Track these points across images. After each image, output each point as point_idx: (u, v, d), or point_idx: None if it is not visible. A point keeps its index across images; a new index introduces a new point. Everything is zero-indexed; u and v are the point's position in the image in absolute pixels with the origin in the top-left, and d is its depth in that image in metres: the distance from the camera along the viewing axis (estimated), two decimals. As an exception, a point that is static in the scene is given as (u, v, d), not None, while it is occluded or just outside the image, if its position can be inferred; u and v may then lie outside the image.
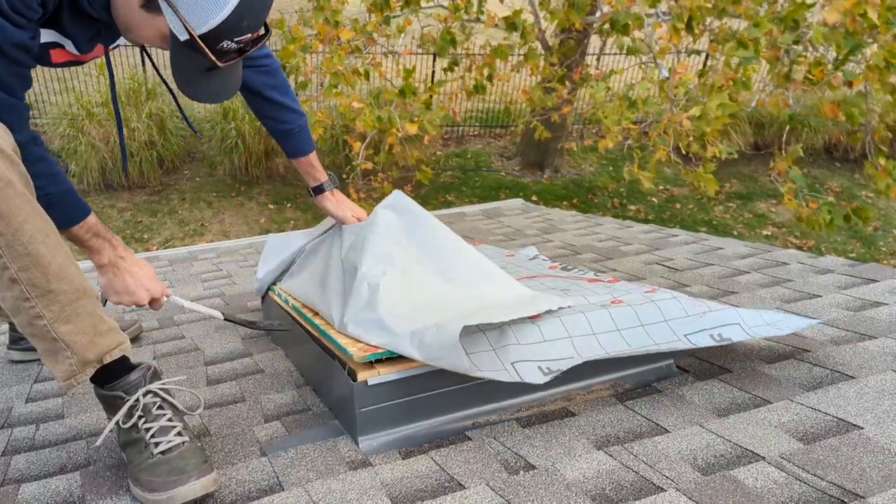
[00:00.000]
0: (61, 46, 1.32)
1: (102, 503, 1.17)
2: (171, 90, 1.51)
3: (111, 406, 1.27)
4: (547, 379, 1.27)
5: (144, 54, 1.51)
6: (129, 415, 1.24)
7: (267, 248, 2.00)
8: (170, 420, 1.24)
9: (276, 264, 1.92)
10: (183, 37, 1.19)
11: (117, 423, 1.25)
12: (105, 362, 1.24)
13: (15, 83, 1.20)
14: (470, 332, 1.38)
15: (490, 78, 5.18)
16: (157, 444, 1.20)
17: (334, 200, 1.83)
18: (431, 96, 5.18)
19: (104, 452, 1.34)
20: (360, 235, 1.60)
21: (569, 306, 1.45)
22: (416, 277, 1.49)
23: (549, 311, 1.49)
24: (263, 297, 2.01)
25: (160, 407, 1.26)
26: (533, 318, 1.45)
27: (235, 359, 1.82)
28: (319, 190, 1.83)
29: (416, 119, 4.85)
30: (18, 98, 1.22)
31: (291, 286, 1.81)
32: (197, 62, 1.24)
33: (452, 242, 1.62)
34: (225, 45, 1.22)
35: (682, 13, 3.69)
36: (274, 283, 1.93)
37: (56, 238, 1.17)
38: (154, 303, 1.52)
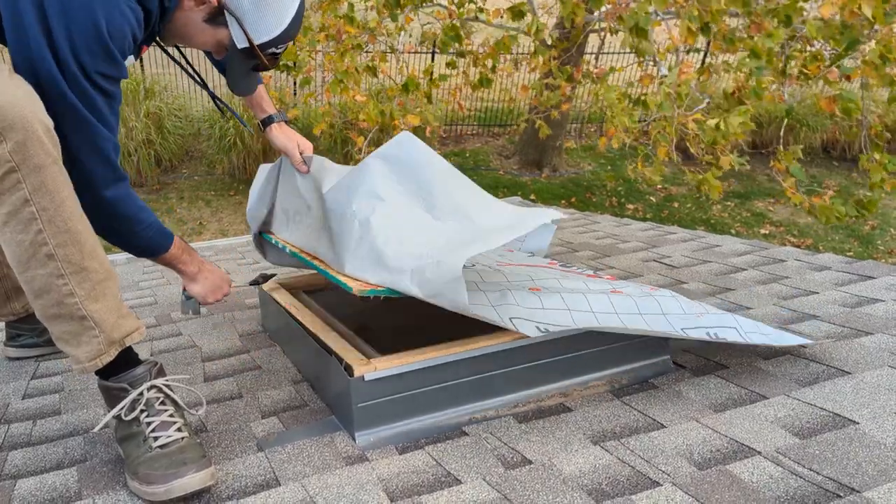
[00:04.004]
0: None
1: (99, 498, 1.17)
2: (214, 97, 1.72)
3: (114, 398, 1.28)
4: (540, 335, 1.27)
5: (185, 62, 1.65)
6: (132, 408, 1.25)
7: (257, 177, 1.94)
8: (171, 416, 1.25)
9: (260, 193, 1.90)
10: (241, 45, 1.38)
11: (119, 416, 1.25)
12: (126, 345, 1.28)
13: (115, 123, 1.27)
14: (471, 290, 1.37)
15: (494, 69, 5.17)
16: (156, 439, 1.21)
17: (282, 133, 1.82)
18: (431, 90, 5.18)
19: (101, 448, 1.34)
20: (348, 177, 1.56)
21: (555, 219, 1.41)
22: (405, 212, 1.47)
23: (548, 287, 1.48)
24: (259, 242, 1.98)
25: (163, 402, 1.27)
26: (533, 290, 1.44)
27: (233, 355, 1.82)
28: (268, 122, 1.82)
29: (417, 112, 4.85)
30: (115, 136, 1.29)
31: (286, 234, 1.79)
32: (244, 64, 1.45)
33: (445, 181, 1.53)
34: (271, 51, 1.43)
35: (702, 14, 3.65)
36: (267, 231, 1.91)
37: (87, 221, 1.23)
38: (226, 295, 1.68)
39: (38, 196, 1.13)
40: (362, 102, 4.99)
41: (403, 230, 1.41)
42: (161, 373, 1.31)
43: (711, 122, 3.65)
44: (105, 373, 1.28)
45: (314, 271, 1.66)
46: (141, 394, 1.26)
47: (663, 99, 3.81)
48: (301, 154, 1.76)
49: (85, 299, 1.21)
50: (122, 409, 1.25)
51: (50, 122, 1.14)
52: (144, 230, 1.38)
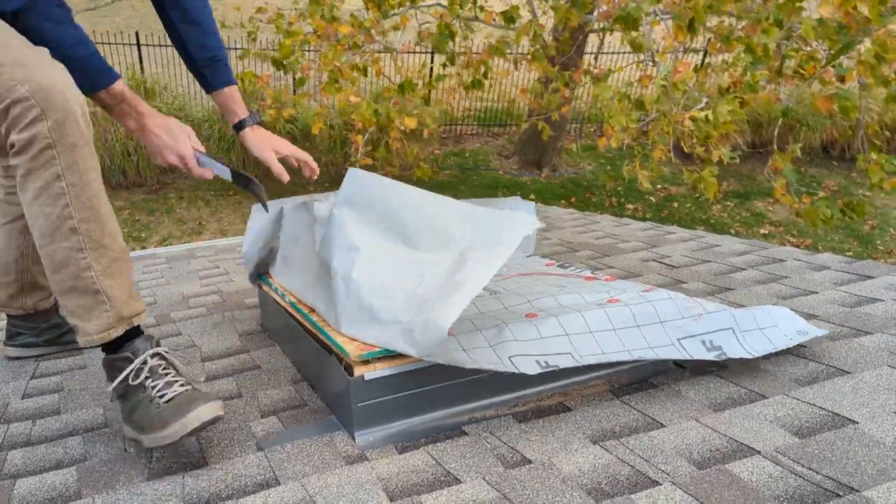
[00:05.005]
0: None
1: (98, 498, 1.17)
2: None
3: (117, 370, 1.33)
4: (542, 370, 1.28)
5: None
6: (137, 375, 1.31)
7: (251, 218, 1.95)
8: (174, 377, 1.31)
9: (254, 237, 1.90)
10: None
11: (123, 394, 1.31)
12: (133, 324, 1.35)
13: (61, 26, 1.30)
14: (468, 330, 1.38)
15: (486, 74, 5.18)
16: (162, 396, 1.26)
17: (256, 138, 1.75)
18: (429, 91, 5.19)
19: (100, 448, 1.34)
20: (325, 231, 1.56)
21: (531, 232, 1.40)
22: (384, 255, 1.46)
23: (544, 308, 1.49)
24: (258, 284, 1.99)
25: (165, 368, 1.33)
26: (529, 316, 1.46)
27: (232, 355, 1.82)
28: (241, 126, 1.75)
29: (414, 113, 4.86)
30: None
31: (284, 280, 1.80)
32: None
33: (412, 205, 1.52)
34: None
35: (685, 13, 3.66)
36: (266, 273, 1.91)
37: (109, 205, 1.33)
38: (189, 161, 1.47)
39: (69, 173, 1.22)
40: (356, 103, 5.01)
41: (387, 276, 1.40)
42: (158, 344, 1.38)
43: (702, 115, 3.68)
44: (110, 349, 1.35)
45: None
46: (145, 361, 1.31)
47: (659, 93, 3.82)
48: (282, 160, 1.72)
49: (101, 274, 1.29)
50: (130, 372, 1.30)
51: (86, 105, 1.23)
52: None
